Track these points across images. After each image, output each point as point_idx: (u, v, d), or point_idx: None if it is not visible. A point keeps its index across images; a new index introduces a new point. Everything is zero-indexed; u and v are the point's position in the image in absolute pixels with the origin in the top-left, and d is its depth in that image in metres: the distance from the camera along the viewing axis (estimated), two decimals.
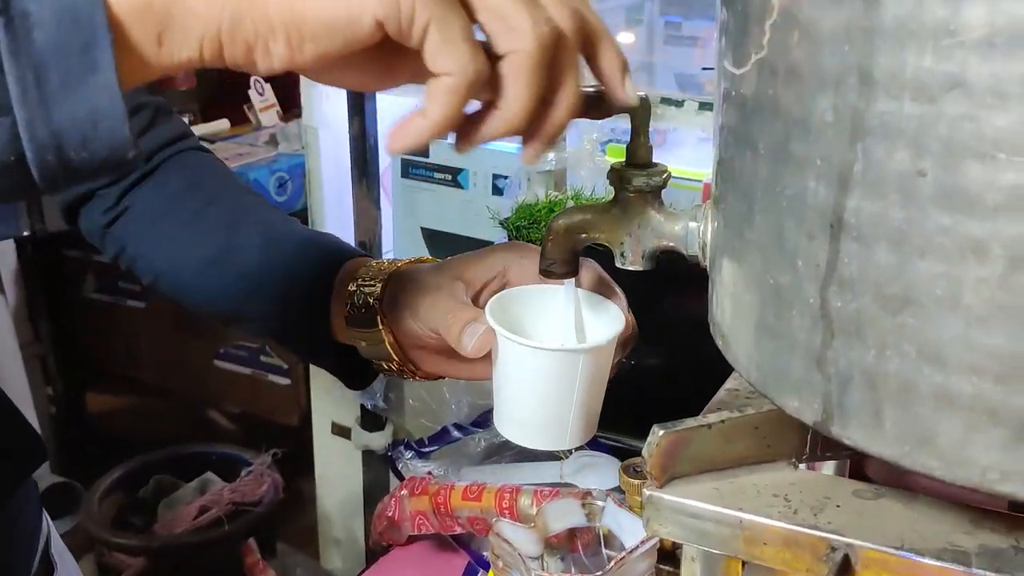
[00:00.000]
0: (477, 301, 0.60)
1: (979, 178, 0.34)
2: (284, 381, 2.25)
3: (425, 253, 1.59)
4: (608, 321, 0.59)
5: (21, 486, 0.80)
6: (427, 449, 1.02)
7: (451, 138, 0.47)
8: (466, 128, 0.46)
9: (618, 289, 0.62)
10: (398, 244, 1.59)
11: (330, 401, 1.73)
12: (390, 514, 0.88)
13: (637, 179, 0.56)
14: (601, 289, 0.61)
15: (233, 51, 0.41)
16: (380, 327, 0.61)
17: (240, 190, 0.73)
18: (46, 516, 0.85)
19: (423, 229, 1.60)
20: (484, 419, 1.06)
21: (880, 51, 0.36)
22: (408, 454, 1.02)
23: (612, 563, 0.64)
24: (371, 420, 1.72)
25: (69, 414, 2.60)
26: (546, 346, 0.55)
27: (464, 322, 0.55)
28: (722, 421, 0.49)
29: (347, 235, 1.57)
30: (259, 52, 0.41)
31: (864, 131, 0.37)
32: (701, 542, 0.49)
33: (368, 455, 1.75)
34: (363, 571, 0.94)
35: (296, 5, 0.40)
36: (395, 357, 0.61)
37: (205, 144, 0.79)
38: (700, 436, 0.49)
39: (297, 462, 1.93)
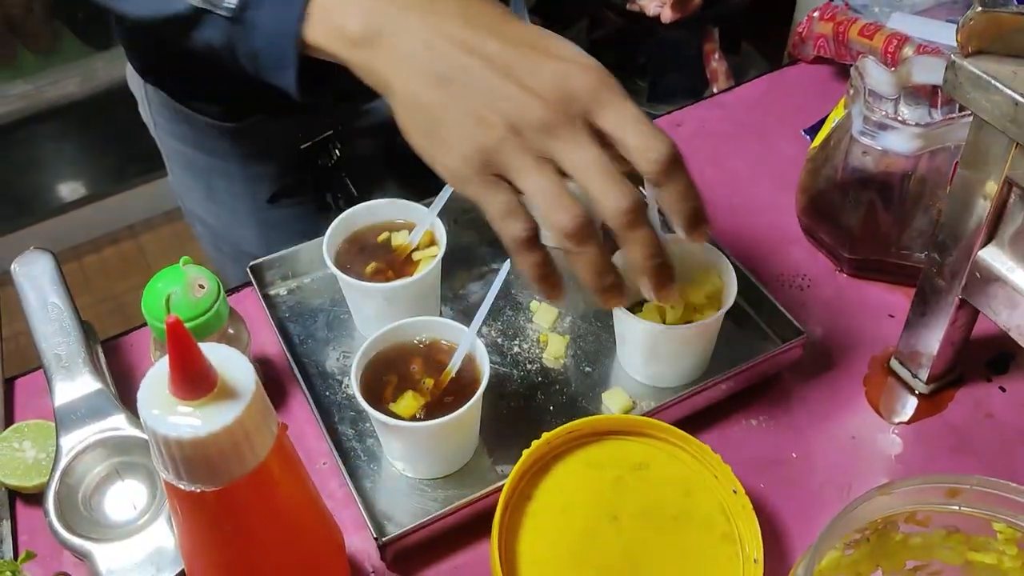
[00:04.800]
0: None
1: None
2: None
3: None
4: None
5: None
6: None
7: None
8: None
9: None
10: None
11: None
12: (801, 31, 0.97)
13: None
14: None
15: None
16: None
17: None
18: None
19: None
20: None
21: None
22: None
23: (942, 119, 0.71)
24: None
25: None
26: None
27: None
28: None
29: None
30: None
31: None
32: (981, 111, 0.56)
33: None
34: (768, 72, 1.07)
35: (405, 125, 0.57)
36: None
37: None
38: (1017, 24, 0.53)
39: None
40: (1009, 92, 0.54)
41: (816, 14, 0.96)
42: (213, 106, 0.93)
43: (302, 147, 0.95)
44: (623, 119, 0.53)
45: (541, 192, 0.53)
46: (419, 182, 1.14)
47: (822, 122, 0.92)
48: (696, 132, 0.99)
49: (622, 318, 0.71)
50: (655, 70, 2.20)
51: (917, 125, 0.71)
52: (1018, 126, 0.54)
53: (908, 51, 0.85)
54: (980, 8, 0.53)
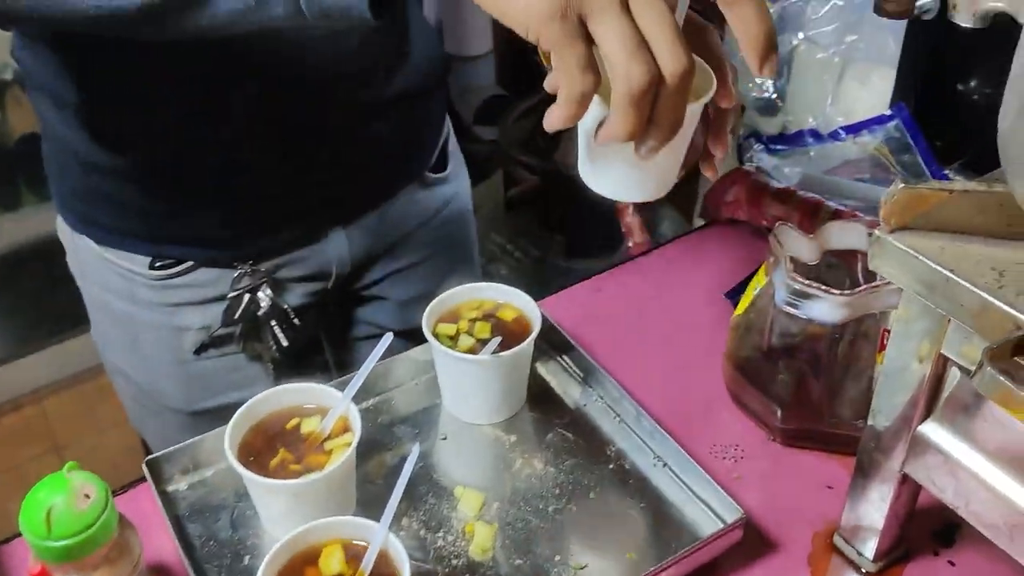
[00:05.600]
0: None
1: None
2: None
3: None
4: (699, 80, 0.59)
5: (431, 95, 1.00)
6: (776, 147, 1.08)
7: None
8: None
9: (728, 65, 0.64)
10: None
11: None
12: (715, 194, 0.98)
13: None
14: (710, 55, 0.63)
15: None
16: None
17: None
18: (448, 120, 1.06)
19: None
20: (843, 132, 1.09)
21: None
22: (758, 147, 1.09)
23: (865, 287, 0.70)
24: (767, 105, 1.76)
25: (517, 35, 2.85)
26: None
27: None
28: (965, 191, 0.52)
29: None
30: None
31: None
32: (910, 287, 0.54)
33: (754, 135, 1.80)
34: (686, 234, 1.07)
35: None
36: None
37: None
38: (940, 199, 0.53)
39: None
40: (938, 268, 0.52)
41: (730, 179, 0.97)
42: (142, 253, 0.90)
43: (231, 296, 0.93)
44: None
45: (623, 39, 0.52)
46: (347, 336, 1.14)
47: (742, 284, 0.91)
48: (617, 297, 0.97)
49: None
50: (572, 225, 2.22)
51: (842, 294, 0.69)
52: (950, 301, 0.53)
53: (824, 215, 0.86)
54: (902, 185, 0.53)
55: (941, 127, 1.07)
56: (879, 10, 0.62)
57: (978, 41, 0.66)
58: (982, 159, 0.98)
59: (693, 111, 0.58)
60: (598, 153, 0.61)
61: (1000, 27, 0.58)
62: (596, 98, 0.55)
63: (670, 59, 0.53)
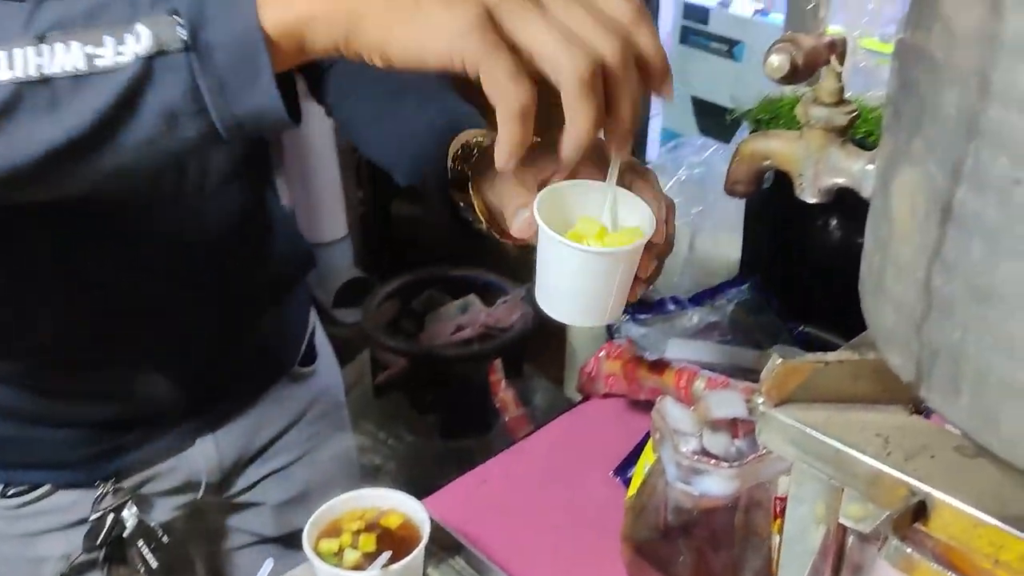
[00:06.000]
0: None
1: None
2: None
3: (693, 122, 1.62)
4: (638, 219, 0.63)
5: (297, 287, 0.98)
6: (642, 316, 1.10)
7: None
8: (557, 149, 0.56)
9: (667, 208, 0.65)
10: (667, 113, 1.63)
11: None
12: (590, 370, 0.98)
13: (822, 115, 0.58)
14: (650, 200, 0.64)
15: (351, 56, 0.54)
16: (471, 191, 0.69)
17: None
18: (313, 311, 1.04)
19: (693, 98, 1.62)
20: (701, 298, 1.12)
21: (1000, 61, 0.37)
22: (625, 318, 1.11)
23: (752, 456, 0.70)
24: None
25: (375, 218, 2.89)
26: (571, 244, 0.60)
27: (516, 205, 0.63)
28: (840, 361, 0.53)
29: None
30: (368, 61, 0.54)
31: (977, 132, 0.39)
32: (801, 460, 0.54)
33: None
34: (565, 411, 1.07)
35: (383, 44, 0.52)
36: (483, 220, 0.69)
37: None
38: (817, 371, 0.53)
39: None
40: (827, 440, 0.52)
41: (603, 353, 0.97)
42: None
43: (93, 518, 0.86)
44: None
45: (552, 32, 0.51)
46: (221, 548, 1.06)
47: (628, 461, 0.90)
48: (503, 487, 0.94)
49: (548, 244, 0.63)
50: (444, 406, 2.19)
51: (731, 466, 0.69)
52: (842, 472, 0.53)
53: (700, 384, 0.87)
54: (780, 360, 0.53)
55: (793, 285, 1.12)
56: (731, 192, 0.64)
57: (819, 206, 0.69)
58: (837, 314, 1.02)
59: (637, 246, 0.61)
60: (556, 275, 0.62)
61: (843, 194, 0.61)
62: (558, 238, 0.59)
63: (605, 40, 0.52)
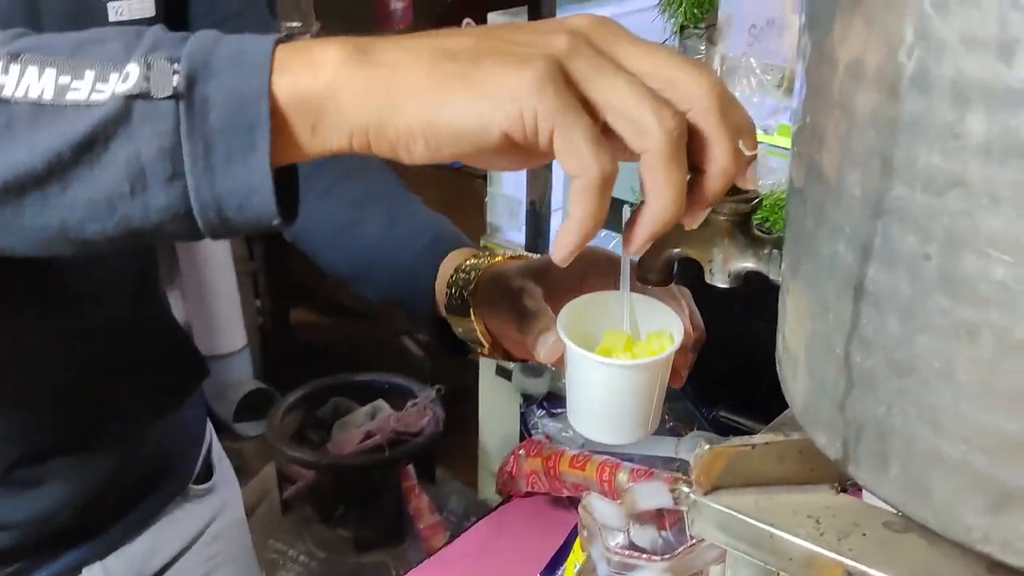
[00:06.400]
0: (560, 302, 0.65)
1: (974, 269, 0.37)
2: None
3: None
4: (663, 320, 0.63)
5: (188, 398, 0.93)
6: (557, 411, 1.10)
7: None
8: (628, 231, 0.49)
9: (685, 300, 0.65)
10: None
11: None
12: (509, 469, 0.96)
13: (726, 205, 0.60)
14: (667, 297, 0.64)
15: (379, 146, 0.45)
16: (472, 317, 0.68)
17: (377, 166, 0.81)
18: (209, 425, 0.99)
19: None
20: None
21: (900, 141, 0.39)
22: (540, 412, 1.10)
23: (682, 548, 0.69)
24: (532, 367, 1.82)
25: (274, 327, 2.85)
26: (604, 360, 0.60)
27: (538, 332, 0.61)
28: (766, 444, 0.53)
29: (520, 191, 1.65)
30: (401, 149, 0.45)
31: (883, 211, 0.40)
32: (735, 548, 0.54)
33: (527, 398, 1.85)
34: (485, 515, 1.04)
35: (432, 116, 0.44)
36: (485, 344, 0.68)
37: None
38: (744, 455, 0.53)
39: (466, 396, 2.07)
40: (760, 525, 0.52)
41: (522, 451, 0.96)
42: None
43: None
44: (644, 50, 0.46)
45: (632, 90, 0.44)
46: None
47: (556, 561, 0.88)
48: None
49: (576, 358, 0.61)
50: (356, 518, 2.13)
51: (663, 559, 0.68)
52: (777, 556, 0.52)
53: (623, 476, 0.86)
54: (707, 446, 0.53)
55: (704, 370, 1.13)
56: (643, 280, 0.65)
57: (723, 291, 0.70)
58: (748, 396, 1.03)
59: (670, 353, 0.61)
60: (593, 394, 0.61)
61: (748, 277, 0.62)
62: (589, 354, 0.58)
63: (696, 91, 0.46)
